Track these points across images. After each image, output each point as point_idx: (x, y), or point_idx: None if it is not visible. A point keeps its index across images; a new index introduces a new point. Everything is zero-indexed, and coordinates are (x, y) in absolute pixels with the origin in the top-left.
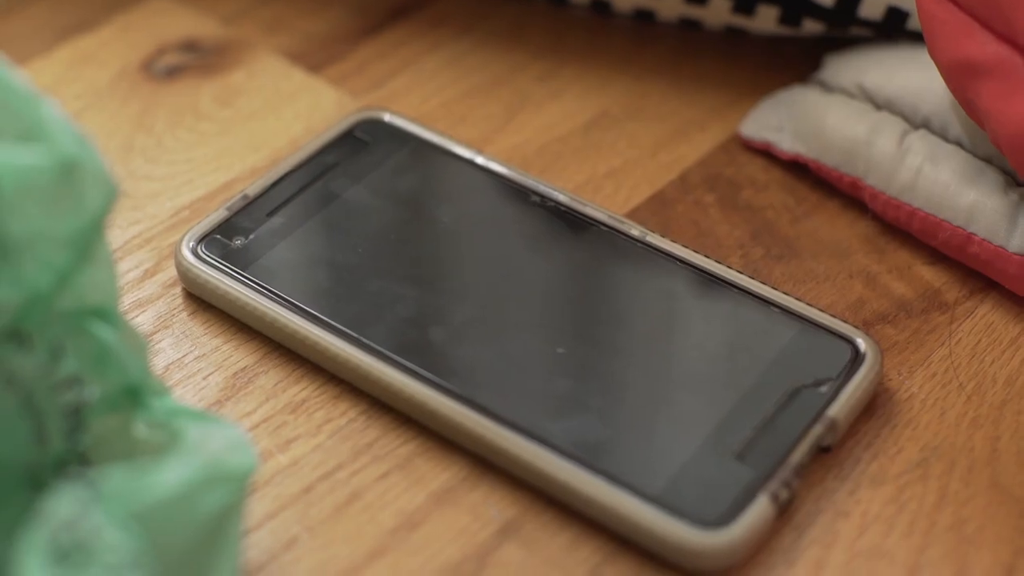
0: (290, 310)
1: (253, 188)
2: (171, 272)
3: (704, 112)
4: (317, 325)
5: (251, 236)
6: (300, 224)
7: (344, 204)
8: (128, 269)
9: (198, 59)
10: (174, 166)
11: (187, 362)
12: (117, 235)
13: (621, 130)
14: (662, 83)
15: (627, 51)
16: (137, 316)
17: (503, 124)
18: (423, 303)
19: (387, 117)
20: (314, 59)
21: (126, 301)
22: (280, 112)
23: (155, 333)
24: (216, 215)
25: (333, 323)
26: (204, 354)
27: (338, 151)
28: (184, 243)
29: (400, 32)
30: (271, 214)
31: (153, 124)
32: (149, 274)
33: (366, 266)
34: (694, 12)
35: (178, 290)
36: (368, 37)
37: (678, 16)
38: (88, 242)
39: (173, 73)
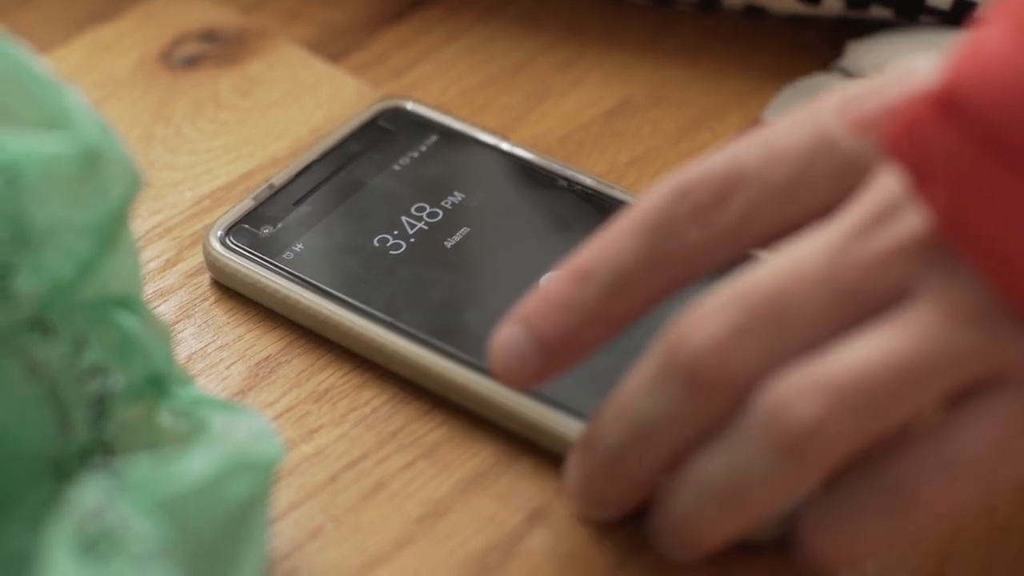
0: (322, 296)
1: (279, 178)
2: (193, 262)
3: (725, 99)
4: (349, 310)
5: (279, 225)
6: (327, 212)
7: (371, 191)
8: (150, 259)
9: (217, 49)
10: (194, 156)
11: (210, 351)
12: (138, 224)
13: (643, 118)
14: (683, 70)
15: (647, 37)
16: (159, 306)
17: (524, 113)
18: (455, 287)
19: (410, 106)
20: (334, 48)
21: (148, 291)
22: (300, 102)
23: (177, 323)
24: (242, 204)
25: (365, 308)
26: (227, 343)
27: (362, 140)
28: (212, 233)
29: (419, 21)
30: (298, 203)
31: (172, 114)
32: (171, 264)
33: (395, 252)
34: None
35: (200, 279)
36: (387, 26)
37: None
38: (112, 231)
39: (192, 63)
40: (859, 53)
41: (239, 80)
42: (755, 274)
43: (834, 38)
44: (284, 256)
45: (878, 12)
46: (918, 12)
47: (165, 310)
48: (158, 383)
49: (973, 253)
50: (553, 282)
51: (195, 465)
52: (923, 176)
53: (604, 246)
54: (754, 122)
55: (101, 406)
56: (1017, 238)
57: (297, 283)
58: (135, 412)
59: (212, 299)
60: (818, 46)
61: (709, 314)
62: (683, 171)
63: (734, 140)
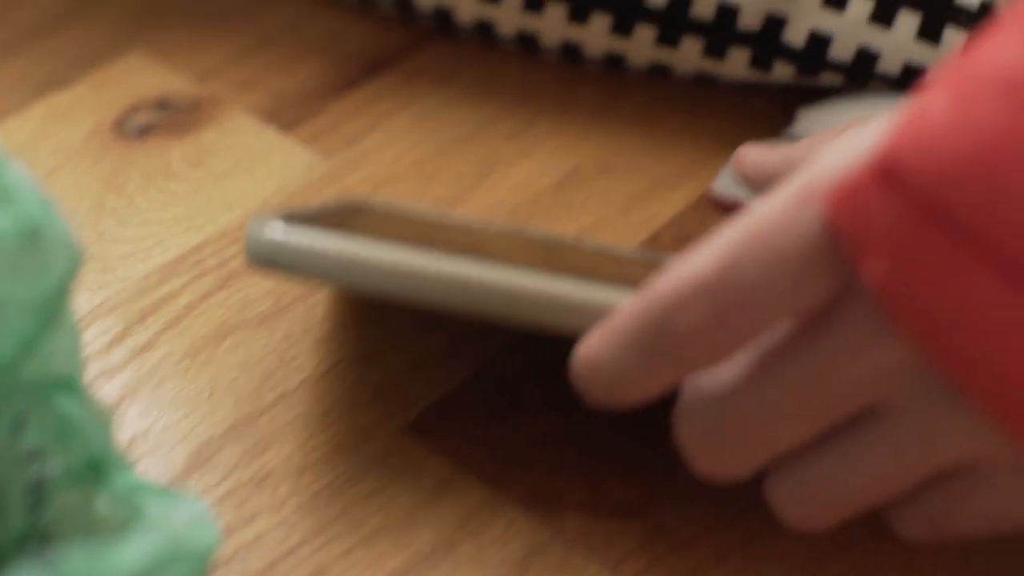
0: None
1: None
2: (140, 338)
3: (676, 169)
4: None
5: (324, 224)
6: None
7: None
8: (96, 336)
9: (170, 117)
10: (145, 227)
11: (153, 433)
12: (85, 299)
13: (593, 188)
14: (634, 139)
15: (598, 106)
16: (104, 385)
17: (475, 183)
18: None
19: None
20: (287, 117)
21: (93, 369)
22: (252, 172)
23: (121, 402)
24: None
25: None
26: (170, 425)
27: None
28: (263, 222)
29: (373, 89)
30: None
31: (124, 184)
32: (117, 340)
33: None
34: (665, 56)
35: (148, 356)
36: (341, 94)
37: (648, 61)
38: (53, 309)
39: (145, 132)
40: (810, 119)
41: (191, 149)
42: (736, 386)
43: (785, 105)
44: (353, 232)
45: (828, 78)
46: (868, 78)
47: (110, 389)
48: (96, 468)
49: (910, 322)
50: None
51: (130, 554)
52: (863, 245)
53: (599, 352)
54: (705, 192)
55: (39, 492)
56: (954, 308)
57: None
58: (73, 498)
59: (157, 378)
60: (770, 113)
61: (682, 417)
62: (679, 277)
63: (723, 232)
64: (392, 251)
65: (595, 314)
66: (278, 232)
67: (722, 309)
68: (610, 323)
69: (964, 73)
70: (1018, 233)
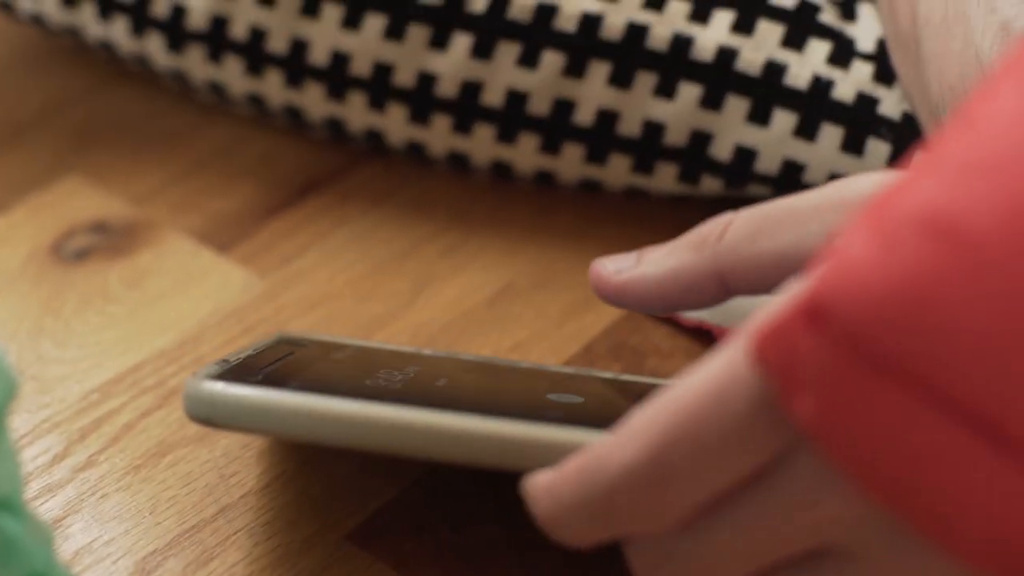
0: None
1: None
2: (81, 456)
3: None
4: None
5: (264, 372)
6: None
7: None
8: (37, 454)
9: (107, 240)
10: (83, 349)
11: (96, 547)
12: (26, 419)
13: (527, 301)
14: (567, 253)
15: (531, 221)
16: (47, 501)
17: (410, 300)
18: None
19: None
20: (222, 238)
21: (35, 487)
22: (188, 293)
23: (64, 518)
24: (210, 367)
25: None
26: (113, 538)
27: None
28: (198, 376)
29: (307, 209)
30: (270, 365)
31: (62, 307)
32: (59, 459)
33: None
34: (594, 173)
35: (89, 474)
36: (275, 215)
37: (578, 177)
38: None
39: (82, 255)
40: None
41: (128, 272)
42: (685, 527)
43: (716, 215)
44: (291, 384)
45: (756, 189)
46: (795, 189)
47: (52, 506)
48: None
49: (844, 458)
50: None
51: None
52: (792, 384)
53: (546, 505)
54: None
55: None
56: (889, 446)
57: (321, 394)
58: None
59: (100, 494)
60: (700, 224)
61: (632, 551)
62: (603, 463)
63: (661, 402)
64: (330, 402)
65: (541, 456)
66: (215, 390)
67: (660, 490)
68: (553, 483)
69: (883, 214)
70: (953, 367)
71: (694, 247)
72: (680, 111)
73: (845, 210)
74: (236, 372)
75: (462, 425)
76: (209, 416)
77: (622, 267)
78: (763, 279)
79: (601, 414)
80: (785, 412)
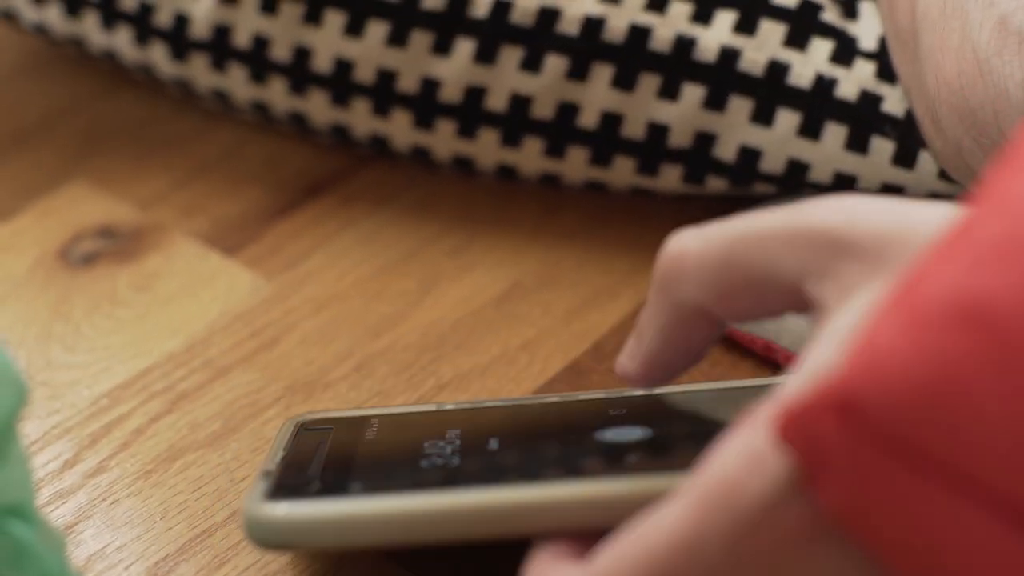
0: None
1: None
2: (92, 462)
3: (616, 278)
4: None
5: (315, 482)
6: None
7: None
8: (48, 460)
9: (114, 245)
10: (92, 353)
11: (108, 552)
12: (36, 425)
13: (535, 300)
14: (574, 251)
15: (536, 220)
16: (58, 507)
17: (418, 300)
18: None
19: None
20: (229, 241)
21: (46, 493)
22: (196, 296)
23: (76, 524)
24: (258, 486)
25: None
26: (125, 543)
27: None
28: (255, 497)
29: (313, 211)
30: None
31: (71, 312)
32: (69, 465)
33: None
34: (599, 175)
35: (99, 479)
36: (281, 217)
37: (583, 179)
38: (1, 442)
39: (90, 260)
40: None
41: (136, 276)
42: None
43: (721, 213)
44: (353, 488)
45: (761, 188)
46: (800, 186)
47: (64, 512)
48: None
49: (874, 545)
50: None
51: None
52: (818, 471)
53: None
54: (644, 301)
55: None
56: (922, 536)
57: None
58: None
59: (111, 499)
60: (706, 221)
61: None
62: (643, 558)
63: (685, 494)
64: (412, 501)
65: (625, 509)
66: (281, 513)
67: None
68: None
69: (913, 302)
70: (988, 459)
71: (663, 293)
72: (684, 112)
73: (801, 239)
74: (287, 484)
75: (554, 495)
76: (288, 541)
77: (633, 351)
78: (745, 311)
79: (666, 444)
80: (811, 498)
